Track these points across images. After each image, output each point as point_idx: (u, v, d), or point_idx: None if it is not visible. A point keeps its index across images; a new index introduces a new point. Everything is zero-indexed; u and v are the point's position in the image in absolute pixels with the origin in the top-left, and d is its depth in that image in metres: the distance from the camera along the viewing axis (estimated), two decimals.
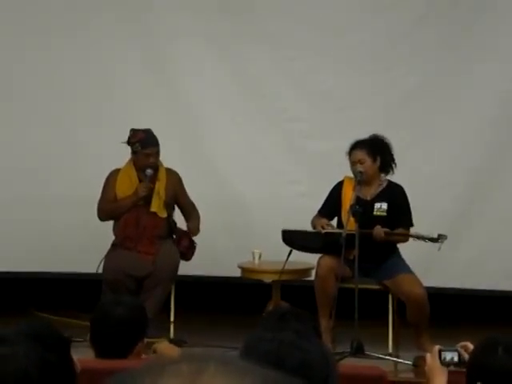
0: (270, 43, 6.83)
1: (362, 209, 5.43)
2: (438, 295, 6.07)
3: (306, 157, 6.77)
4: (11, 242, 6.75)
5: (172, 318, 6.00)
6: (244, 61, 6.85)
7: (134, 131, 5.93)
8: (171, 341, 5.80)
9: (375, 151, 5.55)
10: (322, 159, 6.55)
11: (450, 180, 6.62)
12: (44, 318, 6.43)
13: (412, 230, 5.56)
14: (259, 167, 6.83)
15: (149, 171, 5.90)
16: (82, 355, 2.22)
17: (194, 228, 6.00)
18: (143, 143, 5.89)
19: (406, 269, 5.58)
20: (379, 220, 5.52)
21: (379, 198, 5.60)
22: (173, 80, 6.91)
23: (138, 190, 5.91)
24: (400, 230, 5.56)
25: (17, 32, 6.85)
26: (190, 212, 6.08)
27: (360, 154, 5.54)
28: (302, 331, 2.07)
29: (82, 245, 6.59)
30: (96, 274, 5.90)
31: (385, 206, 5.57)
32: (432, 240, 5.39)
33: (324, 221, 5.68)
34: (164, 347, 3.27)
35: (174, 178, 6.04)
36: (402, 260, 5.65)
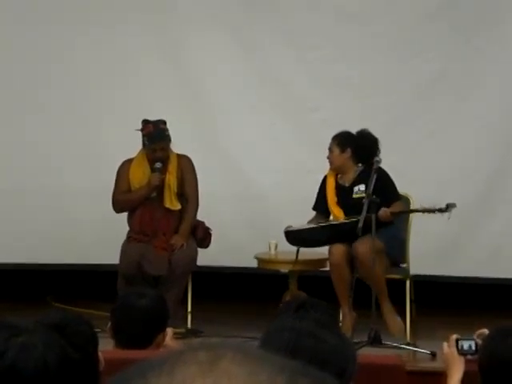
0: (292, 32, 6.81)
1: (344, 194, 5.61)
2: (461, 284, 6.06)
3: (325, 146, 6.76)
4: (29, 232, 6.78)
5: (189, 309, 6.01)
6: (264, 49, 6.84)
7: (145, 123, 5.87)
8: (188, 331, 5.83)
9: (345, 143, 5.84)
10: None
11: (475, 167, 6.59)
12: (64, 309, 6.47)
13: (419, 205, 5.57)
14: (278, 157, 6.82)
15: (158, 164, 5.86)
16: (101, 346, 2.24)
17: (177, 242, 5.83)
18: (150, 138, 5.84)
19: (379, 234, 5.48)
20: (359, 202, 5.55)
21: (356, 181, 5.82)
22: (189, 69, 6.89)
23: (151, 180, 5.88)
24: (398, 205, 5.67)
25: (30, 20, 6.84)
26: (187, 205, 5.93)
27: (331, 144, 5.91)
28: (321, 321, 2.08)
29: (99, 236, 6.60)
30: (112, 265, 5.92)
31: (362, 187, 5.76)
32: (441, 210, 5.41)
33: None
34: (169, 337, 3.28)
35: (183, 163, 5.97)
36: (385, 226, 5.59)
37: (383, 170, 5.76)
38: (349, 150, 5.84)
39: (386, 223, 5.58)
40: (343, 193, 5.81)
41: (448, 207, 5.39)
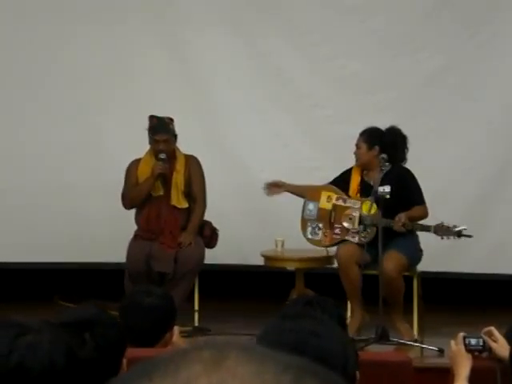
0: (295, 28, 6.81)
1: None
2: (463, 281, 6.04)
3: (329, 142, 6.76)
4: (32, 232, 6.78)
5: (196, 307, 6.01)
6: (268, 46, 6.84)
7: (150, 117, 5.96)
8: (195, 329, 5.83)
9: (373, 140, 5.73)
10: (345, 145, 6.52)
11: (475, 165, 6.58)
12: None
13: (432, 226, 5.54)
14: (283, 154, 6.82)
15: (162, 155, 5.90)
16: None
17: (185, 240, 5.89)
18: (153, 130, 5.91)
19: (401, 246, 5.53)
20: (383, 202, 5.53)
21: (382, 181, 5.66)
22: (191, 67, 6.90)
23: (154, 168, 5.91)
24: (418, 209, 5.59)
25: (30, 20, 6.83)
26: (194, 205, 5.98)
27: (358, 139, 5.79)
28: (322, 319, 2.06)
29: (106, 234, 6.61)
30: (120, 264, 5.92)
31: (387, 189, 5.63)
32: (456, 233, 5.36)
33: None
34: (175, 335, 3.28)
35: (191, 162, 6.03)
36: (411, 238, 5.61)
37: (409, 171, 5.70)
38: (377, 148, 5.72)
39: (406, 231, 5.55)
40: (367, 191, 5.68)
41: (462, 233, 5.35)
